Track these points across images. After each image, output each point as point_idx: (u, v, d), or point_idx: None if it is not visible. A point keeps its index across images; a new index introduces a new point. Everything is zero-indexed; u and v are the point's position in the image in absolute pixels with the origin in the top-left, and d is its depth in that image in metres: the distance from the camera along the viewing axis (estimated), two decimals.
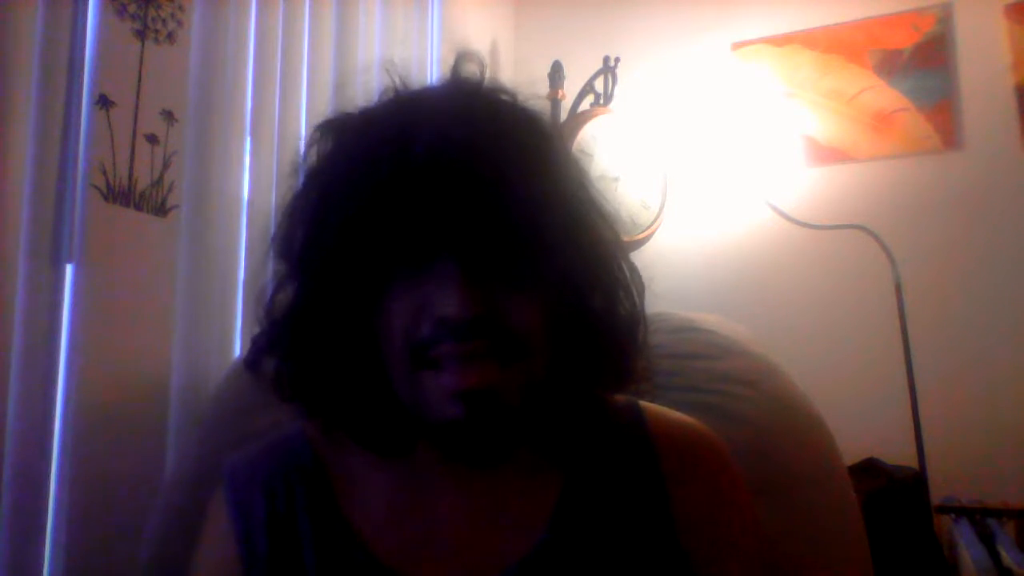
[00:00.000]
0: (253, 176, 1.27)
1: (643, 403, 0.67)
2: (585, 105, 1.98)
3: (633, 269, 0.63)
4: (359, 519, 0.60)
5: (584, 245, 0.58)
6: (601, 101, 1.99)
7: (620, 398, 0.67)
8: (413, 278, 0.54)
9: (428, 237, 0.53)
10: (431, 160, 0.52)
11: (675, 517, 0.59)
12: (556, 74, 2.00)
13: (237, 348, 1.21)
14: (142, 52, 1.07)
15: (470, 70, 0.61)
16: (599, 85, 2.00)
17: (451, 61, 0.61)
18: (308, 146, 0.60)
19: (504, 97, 0.60)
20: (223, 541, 0.61)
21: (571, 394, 0.60)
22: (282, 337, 0.60)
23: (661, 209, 1.97)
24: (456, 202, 0.53)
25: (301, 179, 0.60)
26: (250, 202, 1.26)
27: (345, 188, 0.55)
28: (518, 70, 2.31)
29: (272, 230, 0.61)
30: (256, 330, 0.63)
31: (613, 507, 0.59)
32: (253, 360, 0.63)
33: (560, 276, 0.56)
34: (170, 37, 1.12)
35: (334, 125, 0.60)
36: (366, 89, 0.63)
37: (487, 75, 0.61)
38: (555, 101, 1.99)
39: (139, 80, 1.07)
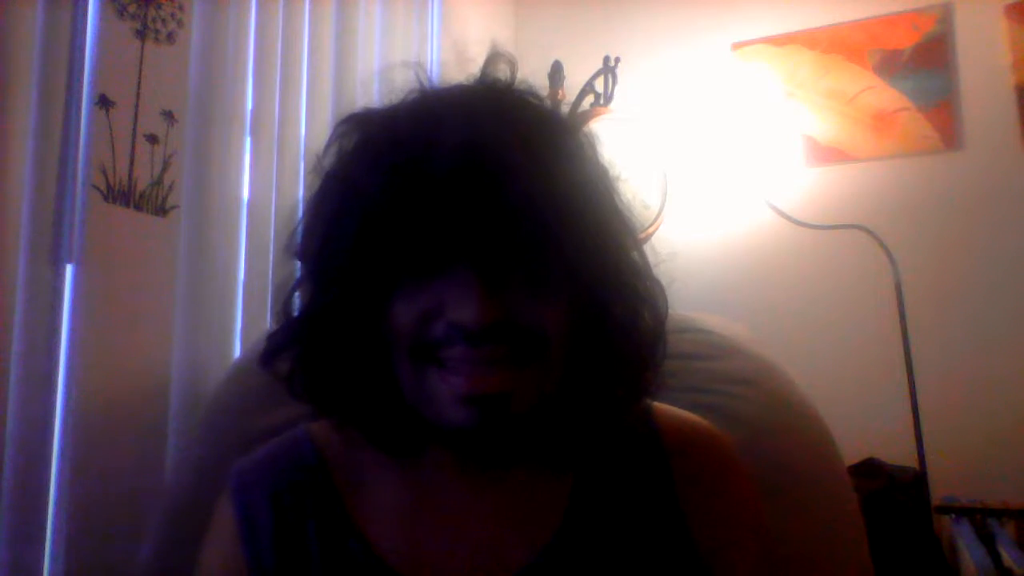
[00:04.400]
0: (253, 176, 1.27)
1: (654, 403, 0.66)
2: (585, 105, 1.98)
3: (657, 284, 0.61)
4: (366, 521, 0.60)
5: (609, 255, 0.57)
6: (601, 101, 1.99)
7: None
8: (426, 278, 0.53)
9: (447, 242, 0.51)
10: (455, 164, 0.50)
11: (686, 515, 0.59)
12: (556, 74, 1.99)
13: (237, 348, 1.21)
14: (142, 52, 1.07)
15: (500, 70, 0.59)
16: (599, 85, 2.00)
17: (482, 60, 0.60)
18: (330, 143, 0.58)
19: (533, 100, 0.58)
20: (230, 547, 0.61)
21: (585, 403, 0.58)
22: (297, 335, 0.59)
23: (661, 209, 1.97)
24: (478, 208, 0.51)
25: (321, 177, 0.58)
26: (250, 202, 1.26)
27: (366, 190, 0.53)
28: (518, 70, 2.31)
29: (292, 229, 0.60)
30: (262, 329, 0.63)
31: (624, 507, 0.59)
32: (268, 357, 0.60)
33: (583, 283, 0.54)
34: (170, 37, 1.12)
35: (357, 122, 0.58)
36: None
37: (517, 76, 0.59)
38: (555, 101, 1.99)
39: (139, 80, 1.07)
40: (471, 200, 0.50)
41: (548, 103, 0.59)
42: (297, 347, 0.59)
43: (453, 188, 0.50)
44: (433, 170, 0.50)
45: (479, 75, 0.59)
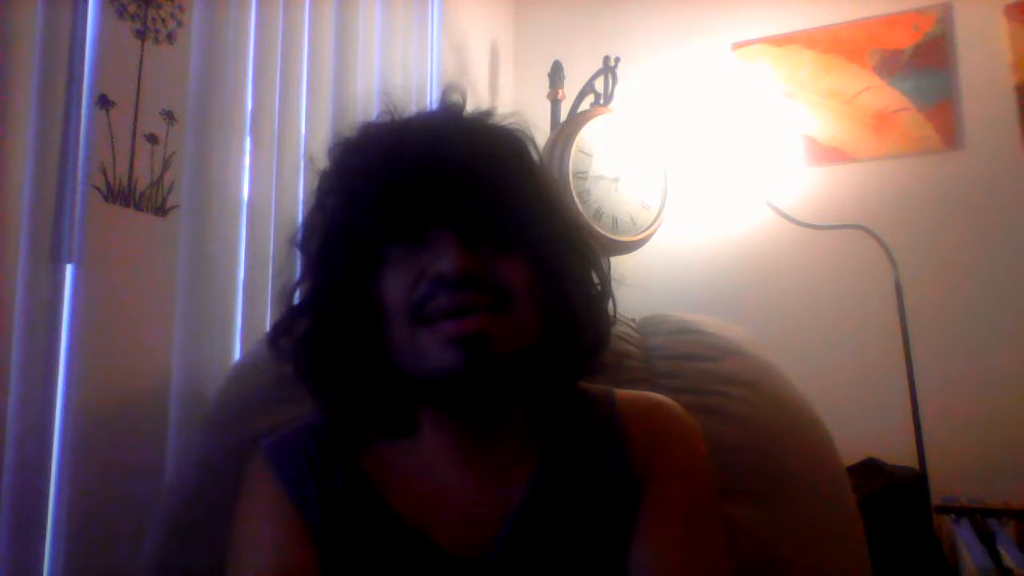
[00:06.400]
0: (253, 176, 1.26)
1: (617, 389, 0.73)
2: (585, 105, 1.98)
3: (601, 254, 0.72)
4: (384, 488, 0.67)
5: (558, 225, 0.68)
6: (601, 101, 1.99)
7: (599, 388, 0.73)
8: (412, 252, 0.63)
9: (423, 212, 0.62)
10: (422, 149, 0.63)
11: (638, 478, 0.66)
12: (556, 74, 2.00)
13: (237, 348, 1.21)
14: (142, 52, 1.07)
15: (455, 97, 0.71)
16: (599, 85, 2.00)
17: (440, 90, 0.72)
18: (323, 173, 0.69)
19: (484, 117, 0.69)
20: (278, 507, 0.65)
21: (555, 355, 0.66)
22: (300, 317, 0.68)
23: (661, 209, 1.97)
24: (446, 181, 0.62)
25: (315, 196, 0.69)
26: (250, 202, 1.26)
27: (351, 186, 0.66)
28: (518, 70, 2.31)
29: (296, 227, 0.71)
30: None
31: (581, 480, 0.67)
32: (275, 337, 0.69)
33: (539, 247, 0.65)
34: (170, 37, 1.12)
35: (341, 142, 0.69)
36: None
37: (468, 100, 0.71)
38: (555, 101, 1.99)
39: (139, 80, 1.07)
40: (435, 175, 0.62)
41: (494, 117, 0.70)
42: (301, 326, 0.68)
43: (418, 167, 0.62)
44: (403, 156, 0.63)
45: (438, 101, 0.72)
